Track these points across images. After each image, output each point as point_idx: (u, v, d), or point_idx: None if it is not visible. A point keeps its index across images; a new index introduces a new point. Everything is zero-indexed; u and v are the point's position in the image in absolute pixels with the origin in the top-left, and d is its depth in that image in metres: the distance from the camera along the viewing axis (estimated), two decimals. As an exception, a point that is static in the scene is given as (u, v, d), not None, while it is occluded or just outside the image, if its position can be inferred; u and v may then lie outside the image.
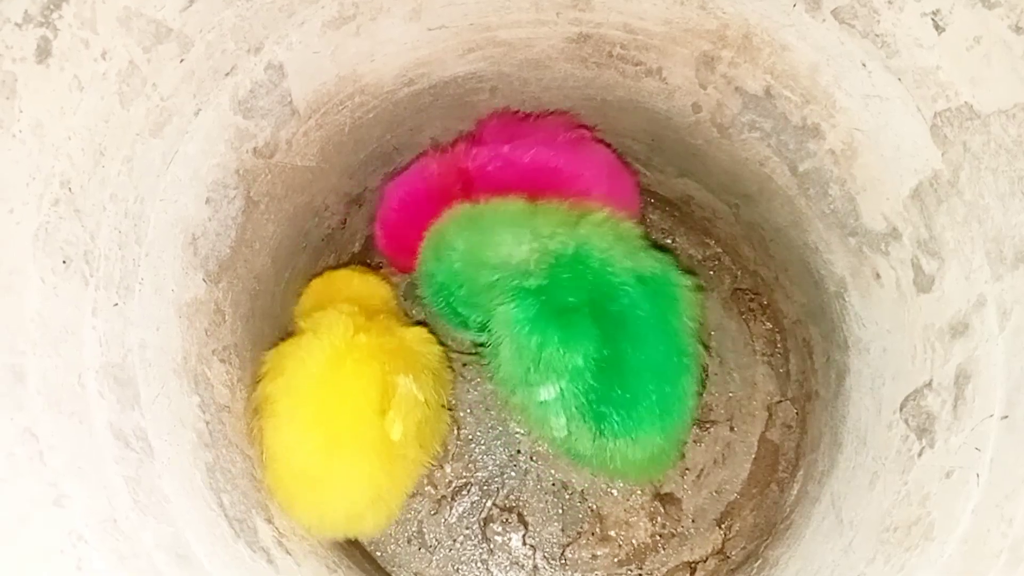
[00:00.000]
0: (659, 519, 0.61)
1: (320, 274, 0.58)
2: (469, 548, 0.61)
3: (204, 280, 0.45)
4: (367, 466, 0.47)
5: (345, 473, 0.47)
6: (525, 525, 0.61)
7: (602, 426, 0.48)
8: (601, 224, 0.49)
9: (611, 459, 0.50)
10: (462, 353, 0.62)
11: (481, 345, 0.52)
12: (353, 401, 0.47)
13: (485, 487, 0.61)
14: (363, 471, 0.47)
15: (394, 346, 0.50)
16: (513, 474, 0.61)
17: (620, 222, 0.50)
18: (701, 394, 0.52)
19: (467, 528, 0.61)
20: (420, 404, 0.49)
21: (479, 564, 0.61)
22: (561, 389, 0.47)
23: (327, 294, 0.55)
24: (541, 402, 0.48)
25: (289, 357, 0.48)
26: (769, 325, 0.64)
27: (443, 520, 0.61)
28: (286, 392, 0.47)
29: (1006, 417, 0.35)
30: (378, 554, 0.61)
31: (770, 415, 0.62)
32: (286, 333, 0.53)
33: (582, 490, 0.61)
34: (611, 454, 0.49)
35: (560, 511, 0.61)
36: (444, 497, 0.61)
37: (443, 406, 0.53)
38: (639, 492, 0.61)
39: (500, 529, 0.61)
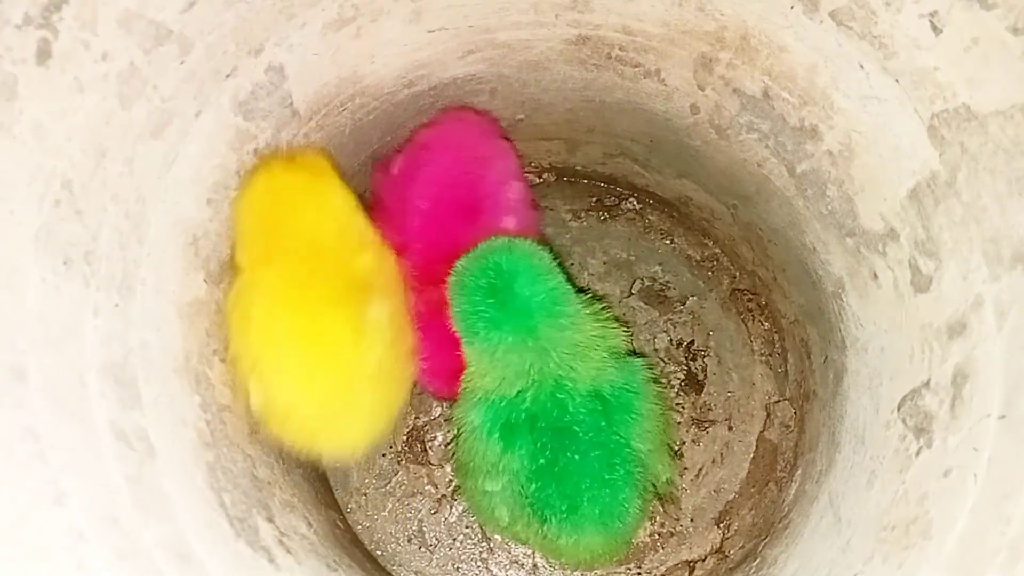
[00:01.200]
0: (658, 518, 0.61)
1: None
2: (469, 547, 0.61)
3: (205, 280, 0.45)
4: (351, 387, 0.47)
5: (329, 392, 0.47)
6: (525, 525, 0.61)
7: (544, 524, 0.49)
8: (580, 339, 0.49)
9: (556, 551, 0.51)
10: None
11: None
12: (325, 324, 0.46)
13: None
14: (347, 392, 0.47)
15: (349, 285, 0.47)
16: (513, 474, 0.61)
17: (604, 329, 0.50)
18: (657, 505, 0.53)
19: (467, 527, 0.61)
20: (396, 325, 0.49)
21: (479, 563, 0.61)
22: (502, 486, 0.49)
23: (271, 219, 0.47)
24: (486, 491, 0.50)
25: (252, 305, 0.45)
26: (767, 325, 0.65)
27: (443, 519, 0.61)
28: (259, 331, 0.45)
29: (1004, 417, 0.35)
30: (378, 553, 0.61)
31: (768, 415, 0.63)
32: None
33: (581, 490, 0.61)
34: (555, 547, 0.50)
35: (559, 511, 0.61)
36: (444, 496, 0.62)
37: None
38: (638, 492, 0.61)
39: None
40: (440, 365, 0.53)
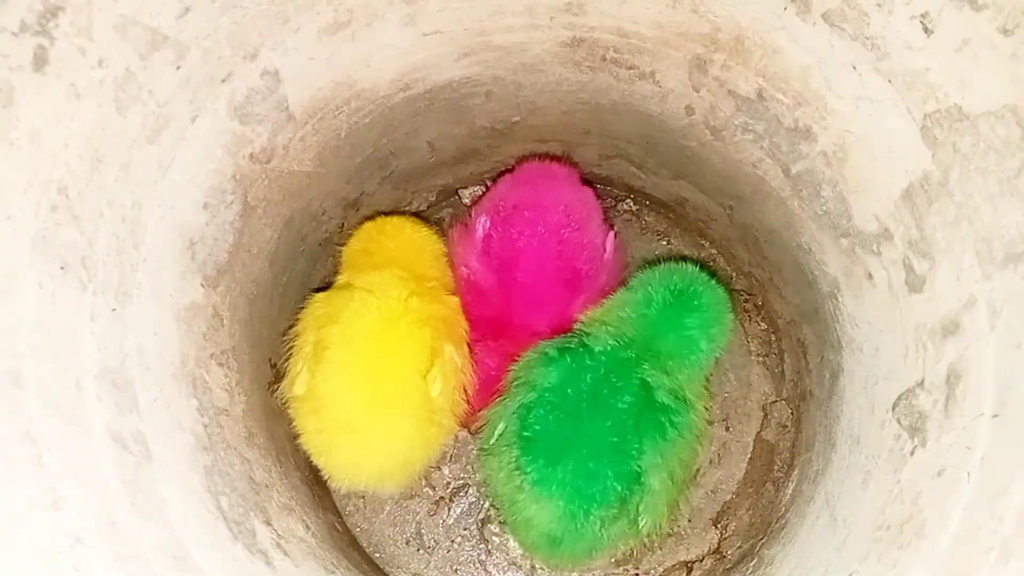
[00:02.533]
0: (656, 519, 0.61)
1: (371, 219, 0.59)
2: (467, 549, 0.61)
3: (202, 285, 0.45)
4: (407, 426, 0.50)
5: (386, 429, 0.49)
6: (523, 526, 0.61)
7: (524, 460, 0.49)
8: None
9: (517, 511, 0.50)
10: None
11: None
12: (402, 361, 0.50)
13: (483, 488, 0.61)
14: (403, 430, 0.50)
15: (443, 314, 0.52)
16: (511, 475, 0.62)
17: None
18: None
19: (465, 529, 0.61)
20: (459, 371, 0.52)
21: (477, 565, 0.61)
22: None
23: (376, 242, 0.57)
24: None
25: (344, 309, 0.50)
26: (764, 326, 0.65)
27: (441, 521, 0.61)
28: (341, 341, 0.49)
29: (996, 416, 0.36)
30: (377, 555, 0.61)
31: (765, 415, 0.63)
32: (326, 284, 0.55)
33: (579, 491, 0.61)
34: (518, 506, 0.50)
35: (557, 512, 0.61)
36: (442, 498, 0.62)
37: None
38: (636, 493, 0.61)
39: (498, 530, 0.61)
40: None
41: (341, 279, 0.56)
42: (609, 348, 0.50)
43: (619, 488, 0.49)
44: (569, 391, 0.49)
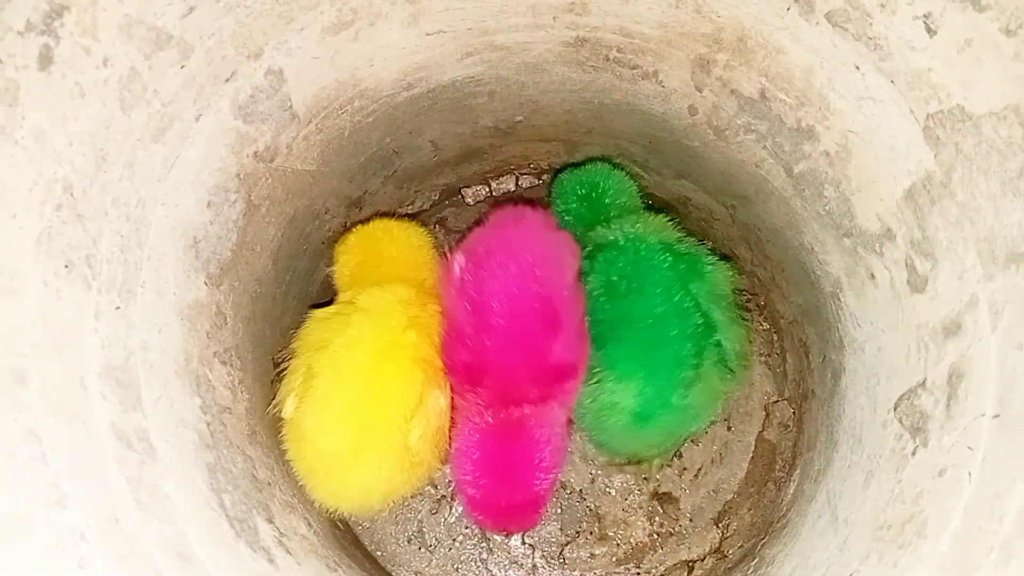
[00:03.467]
0: (657, 518, 0.61)
1: (358, 225, 0.58)
2: (469, 547, 0.61)
3: (206, 283, 0.45)
4: (387, 467, 0.49)
5: (367, 469, 0.49)
6: (524, 525, 0.61)
7: (594, 359, 0.51)
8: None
9: (601, 402, 0.52)
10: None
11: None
12: (389, 402, 0.48)
13: None
14: (383, 470, 0.49)
15: (433, 354, 0.51)
16: (513, 474, 0.62)
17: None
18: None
19: (467, 527, 0.61)
20: (445, 414, 0.51)
21: (478, 563, 0.61)
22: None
23: (369, 250, 0.56)
24: None
25: (338, 334, 0.49)
26: (766, 325, 0.65)
27: (443, 520, 0.62)
28: (329, 370, 0.48)
29: (998, 416, 0.36)
30: (379, 553, 0.61)
31: (767, 415, 0.63)
32: (315, 301, 0.54)
33: (580, 489, 0.62)
34: (600, 396, 0.51)
35: (558, 510, 0.61)
36: (444, 497, 0.62)
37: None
38: (637, 492, 0.62)
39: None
40: (488, 498, 0.52)
41: (343, 295, 0.54)
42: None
43: (690, 346, 0.51)
44: (612, 277, 0.52)
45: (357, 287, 0.53)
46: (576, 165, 0.62)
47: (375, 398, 0.48)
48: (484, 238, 0.52)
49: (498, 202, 0.68)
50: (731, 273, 0.55)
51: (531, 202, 0.63)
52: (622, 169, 0.61)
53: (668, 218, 0.57)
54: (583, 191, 0.59)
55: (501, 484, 0.52)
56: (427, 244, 0.58)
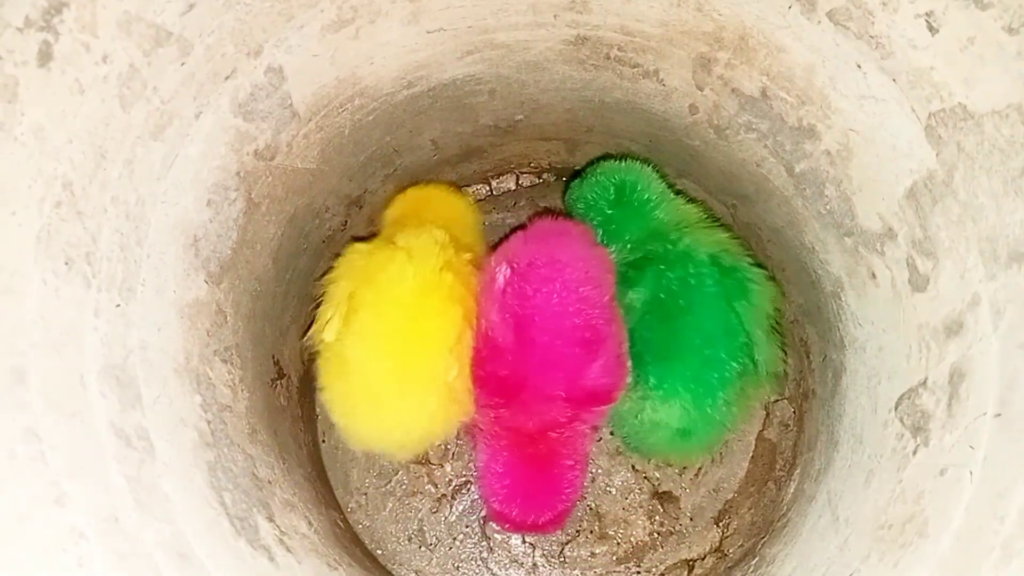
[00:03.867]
0: (657, 517, 0.61)
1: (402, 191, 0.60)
2: (469, 546, 0.61)
3: (206, 281, 0.45)
4: (431, 401, 0.50)
5: (411, 404, 0.50)
6: (524, 524, 0.61)
7: (638, 377, 0.51)
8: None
9: (642, 419, 0.52)
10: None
11: None
12: (432, 336, 0.50)
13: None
14: (427, 405, 0.50)
15: (468, 295, 0.52)
16: (513, 473, 0.62)
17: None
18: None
19: (467, 526, 0.61)
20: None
21: (479, 562, 0.61)
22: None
23: (416, 208, 0.58)
24: None
25: (381, 271, 0.50)
26: (767, 325, 0.65)
27: (443, 518, 0.61)
28: (373, 306, 0.49)
29: (999, 415, 0.36)
30: (379, 552, 0.61)
31: (767, 414, 0.63)
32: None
33: (581, 489, 0.62)
34: (643, 413, 0.52)
35: (559, 510, 0.61)
36: (444, 496, 0.62)
37: None
38: (637, 491, 0.62)
39: (499, 527, 0.61)
40: (514, 516, 0.53)
41: (384, 233, 0.56)
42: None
43: (735, 364, 0.51)
44: (660, 294, 0.52)
45: (398, 230, 0.55)
46: (587, 167, 0.61)
47: (418, 333, 0.49)
48: (528, 249, 0.51)
49: (499, 199, 0.68)
50: (775, 292, 0.54)
51: (550, 211, 0.63)
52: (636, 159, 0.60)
53: (710, 219, 0.56)
54: (613, 195, 0.57)
55: (527, 504, 0.52)
56: (475, 216, 0.60)
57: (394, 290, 0.50)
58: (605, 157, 0.62)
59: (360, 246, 0.53)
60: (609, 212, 0.56)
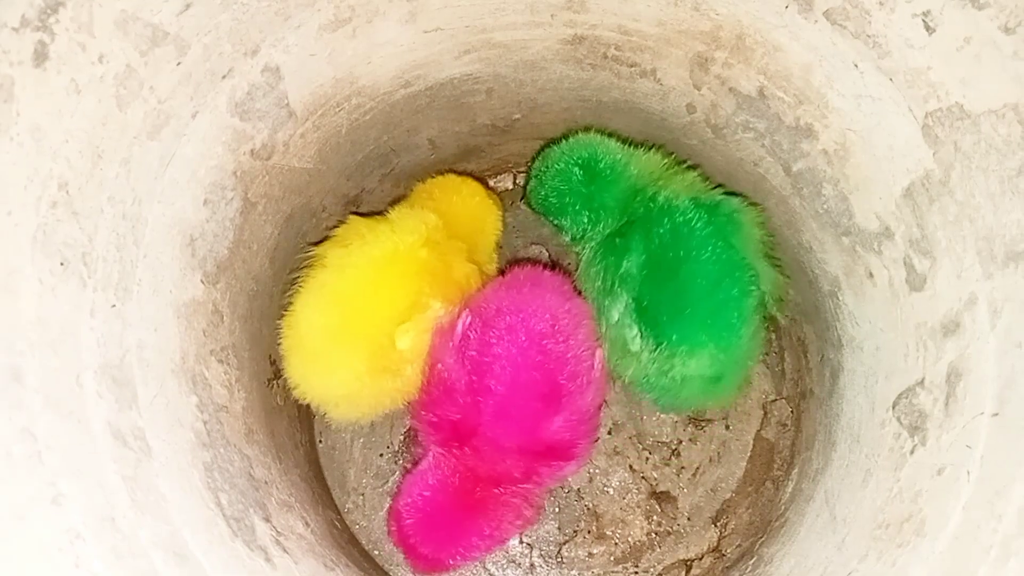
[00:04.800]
0: (655, 517, 0.61)
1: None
2: (466, 547, 0.61)
3: (202, 281, 0.45)
4: (356, 363, 0.50)
5: (338, 359, 0.50)
6: (522, 524, 0.61)
7: (659, 337, 0.51)
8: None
9: (672, 376, 0.51)
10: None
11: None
12: (381, 302, 0.50)
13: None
14: (351, 366, 0.50)
15: (443, 274, 0.52)
16: (510, 473, 0.62)
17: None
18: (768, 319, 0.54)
19: (465, 527, 0.61)
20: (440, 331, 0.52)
21: (476, 562, 0.61)
22: (625, 302, 0.51)
23: (440, 196, 0.58)
24: (616, 322, 0.52)
25: (358, 235, 0.51)
26: (764, 325, 0.65)
27: (441, 519, 0.61)
28: (336, 263, 0.51)
29: (996, 414, 0.36)
30: (376, 552, 0.61)
31: (765, 413, 0.63)
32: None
33: (578, 488, 0.62)
34: (672, 371, 0.51)
35: (556, 510, 0.61)
36: (442, 496, 0.62)
37: None
38: (635, 490, 0.62)
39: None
40: (412, 537, 0.52)
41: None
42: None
43: (749, 298, 0.51)
44: (654, 249, 0.51)
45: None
46: (532, 164, 0.59)
47: (369, 297, 0.50)
48: (497, 296, 0.51)
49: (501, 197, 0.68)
50: (758, 213, 0.53)
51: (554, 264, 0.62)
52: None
53: (675, 162, 0.55)
54: (582, 175, 0.55)
55: (433, 535, 0.51)
56: (492, 211, 0.60)
57: (359, 253, 0.50)
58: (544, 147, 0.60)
59: (356, 218, 0.54)
60: (585, 191, 0.55)
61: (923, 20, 0.38)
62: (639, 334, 0.51)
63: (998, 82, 0.36)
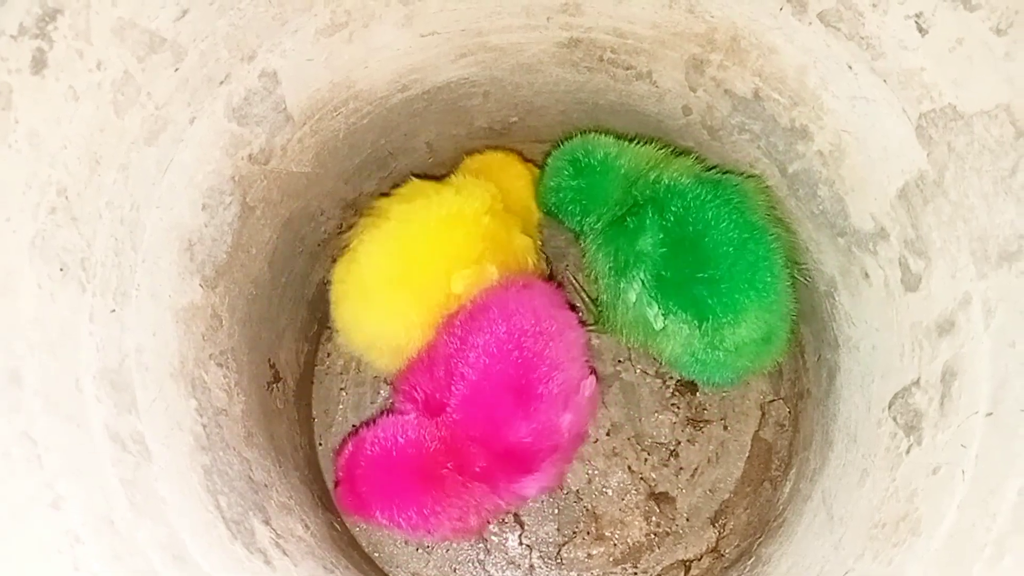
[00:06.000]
0: (653, 518, 0.61)
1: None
2: (466, 548, 0.61)
3: (201, 285, 0.45)
4: (413, 312, 0.52)
5: (397, 306, 0.52)
6: (521, 525, 0.61)
7: (703, 313, 0.51)
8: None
9: (725, 348, 0.52)
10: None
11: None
12: (439, 259, 0.52)
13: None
14: (408, 314, 0.52)
15: (504, 243, 0.54)
16: (510, 475, 0.62)
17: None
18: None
19: (464, 528, 0.61)
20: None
21: (476, 564, 0.61)
22: (642, 281, 0.52)
23: (494, 170, 0.59)
24: (634, 303, 0.52)
25: (422, 195, 0.53)
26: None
27: (440, 521, 0.61)
28: (400, 216, 0.53)
29: (991, 414, 0.36)
30: (376, 554, 0.61)
31: (763, 414, 0.63)
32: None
33: (577, 490, 0.62)
34: (723, 342, 0.52)
35: (556, 511, 0.61)
36: (441, 498, 0.62)
37: None
38: (634, 491, 0.62)
39: (497, 529, 0.61)
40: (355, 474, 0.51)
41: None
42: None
43: (776, 256, 0.51)
44: (670, 227, 0.51)
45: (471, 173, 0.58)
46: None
47: (434, 249, 0.52)
48: (488, 291, 0.52)
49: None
50: (758, 182, 0.53)
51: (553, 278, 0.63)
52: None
53: (668, 151, 0.56)
54: (571, 170, 0.56)
55: (379, 479, 0.49)
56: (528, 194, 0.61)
57: (425, 211, 0.52)
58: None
59: (418, 180, 0.56)
60: (574, 183, 0.56)
61: (916, 22, 0.38)
62: (660, 312, 0.52)
63: (990, 83, 0.36)
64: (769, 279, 0.51)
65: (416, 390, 0.51)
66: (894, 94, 0.40)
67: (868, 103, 0.42)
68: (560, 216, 0.58)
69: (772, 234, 0.52)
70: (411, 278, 0.52)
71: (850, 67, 0.42)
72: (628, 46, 0.49)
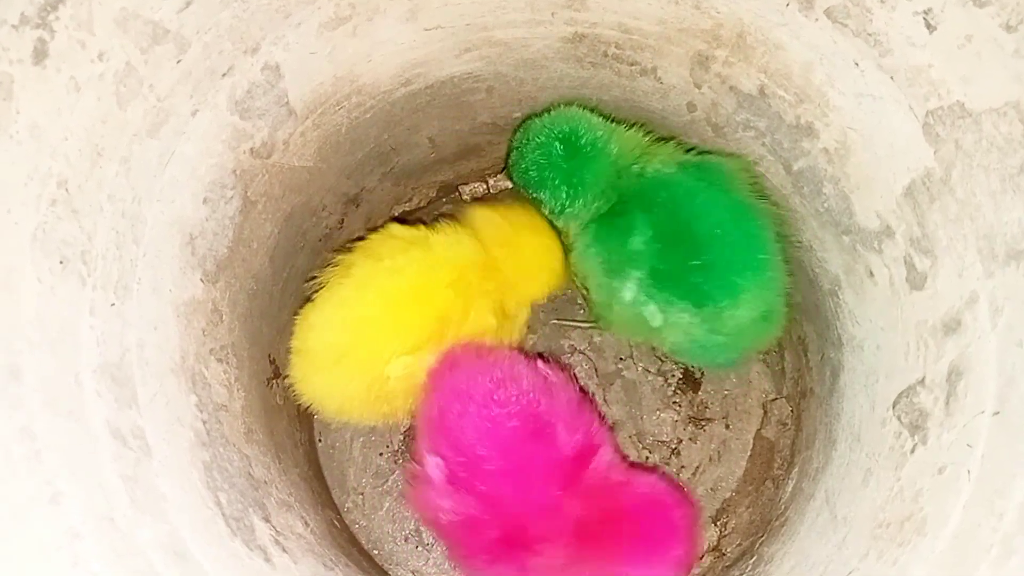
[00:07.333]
0: (655, 517, 0.61)
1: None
2: (466, 546, 0.61)
3: (202, 280, 0.45)
4: (358, 383, 0.50)
5: (342, 377, 0.50)
6: (522, 523, 0.61)
7: (702, 301, 0.51)
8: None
9: (727, 332, 0.52)
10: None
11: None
12: (389, 334, 0.49)
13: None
14: (353, 385, 0.50)
15: (457, 322, 0.50)
16: (510, 472, 0.61)
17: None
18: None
19: (464, 526, 0.61)
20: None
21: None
22: (638, 279, 0.51)
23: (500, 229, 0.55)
24: (630, 302, 0.52)
25: (389, 255, 0.50)
26: (765, 323, 0.64)
27: (440, 518, 0.61)
28: (358, 277, 0.50)
29: (997, 413, 0.36)
30: (375, 552, 0.61)
31: (765, 412, 0.63)
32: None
33: (579, 488, 0.61)
34: (725, 326, 0.52)
35: (557, 509, 0.61)
36: (442, 495, 0.62)
37: None
38: (635, 490, 0.61)
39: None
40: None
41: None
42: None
43: (767, 232, 0.51)
44: (657, 219, 0.51)
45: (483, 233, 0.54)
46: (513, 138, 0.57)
47: (383, 323, 0.49)
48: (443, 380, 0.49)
49: (496, 197, 0.67)
50: (739, 160, 0.53)
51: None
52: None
53: (651, 136, 0.55)
54: (562, 150, 0.54)
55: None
56: (550, 267, 0.56)
57: (383, 276, 0.49)
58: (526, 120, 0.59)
59: (396, 227, 0.53)
60: (564, 167, 0.54)
61: (924, 18, 0.38)
62: (657, 308, 0.52)
63: (999, 80, 0.36)
64: (761, 256, 0.51)
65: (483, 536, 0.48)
66: (901, 91, 0.40)
67: (875, 100, 0.42)
68: (533, 192, 0.56)
69: (760, 211, 0.52)
70: (356, 351, 0.49)
71: (857, 64, 0.41)
72: (633, 42, 0.49)
